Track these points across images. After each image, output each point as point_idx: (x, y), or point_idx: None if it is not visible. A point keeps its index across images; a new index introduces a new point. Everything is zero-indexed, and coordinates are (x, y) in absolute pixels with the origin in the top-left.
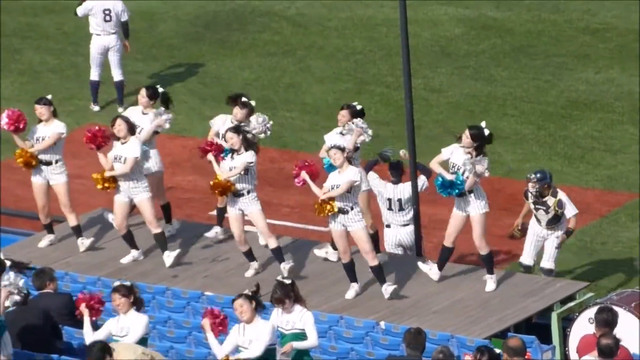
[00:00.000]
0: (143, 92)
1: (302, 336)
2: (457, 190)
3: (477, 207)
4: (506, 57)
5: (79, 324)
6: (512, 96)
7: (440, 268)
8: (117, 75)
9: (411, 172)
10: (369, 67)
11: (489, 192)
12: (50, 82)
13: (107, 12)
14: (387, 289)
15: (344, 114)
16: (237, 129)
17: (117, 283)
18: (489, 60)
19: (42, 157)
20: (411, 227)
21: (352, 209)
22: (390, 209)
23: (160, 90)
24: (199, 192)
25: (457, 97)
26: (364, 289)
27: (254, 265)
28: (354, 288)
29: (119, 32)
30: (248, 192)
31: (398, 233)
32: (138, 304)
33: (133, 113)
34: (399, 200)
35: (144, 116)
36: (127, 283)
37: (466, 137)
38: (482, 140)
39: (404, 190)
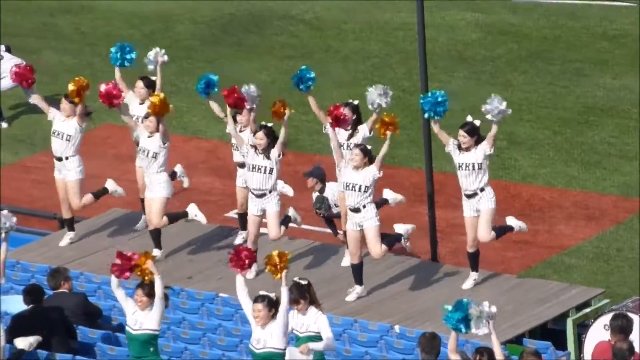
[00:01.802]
0: (140, 83)
1: (316, 339)
2: (443, 107)
3: (486, 202)
4: (523, 62)
5: (93, 324)
6: (528, 101)
7: (476, 269)
8: None
9: (427, 179)
10: (386, 71)
11: (504, 197)
12: (68, 82)
13: None
14: (354, 291)
15: (346, 112)
16: (268, 130)
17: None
18: (506, 65)
19: (57, 153)
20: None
21: (364, 207)
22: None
23: (154, 78)
24: (215, 194)
25: (474, 101)
26: (377, 292)
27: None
28: (356, 290)
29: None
30: (270, 192)
31: None
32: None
33: (132, 102)
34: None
35: (141, 106)
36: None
37: (463, 137)
38: (478, 131)
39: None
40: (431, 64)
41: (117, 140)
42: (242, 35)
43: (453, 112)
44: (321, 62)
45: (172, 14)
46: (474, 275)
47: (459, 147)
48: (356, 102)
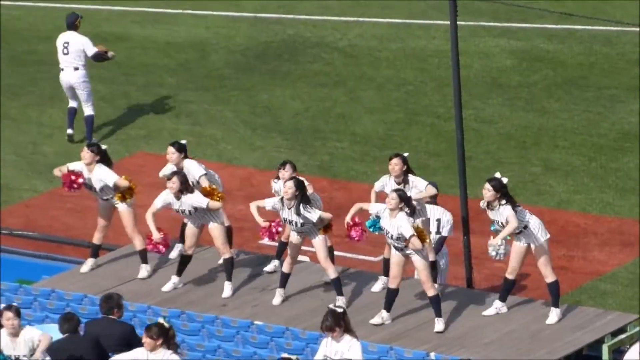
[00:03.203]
0: (170, 149)
1: None
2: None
3: (537, 238)
4: (558, 89)
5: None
6: (563, 128)
7: (504, 299)
8: (87, 109)
9: (461, 206)
10: (420, 97)
11: None
12: (102, 110)
13: (65, 44)
14: (440, 323)
15: (396, 162)
16: (299, 182)
17: (160, 320)
18: (541, 91)
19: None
20: None
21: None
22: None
23: (184, 142)
24: (249, 221)
25: (508, 128)
26: (413, 319)
27: (281, 292)
28: (381, 315)
29: (85, 67)
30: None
31: None
32: (171, 347)
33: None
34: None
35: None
36: (166, 324)
37: (488, 190)
38: (503, 188)
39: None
40: (465, 90)
41: (151, 169)
42: (276, 63)
43: (487, 139)
44: (354, 90)
45: (206, 43)
46: (497, 304)
47: (487, 206)
48: (406, 154)
